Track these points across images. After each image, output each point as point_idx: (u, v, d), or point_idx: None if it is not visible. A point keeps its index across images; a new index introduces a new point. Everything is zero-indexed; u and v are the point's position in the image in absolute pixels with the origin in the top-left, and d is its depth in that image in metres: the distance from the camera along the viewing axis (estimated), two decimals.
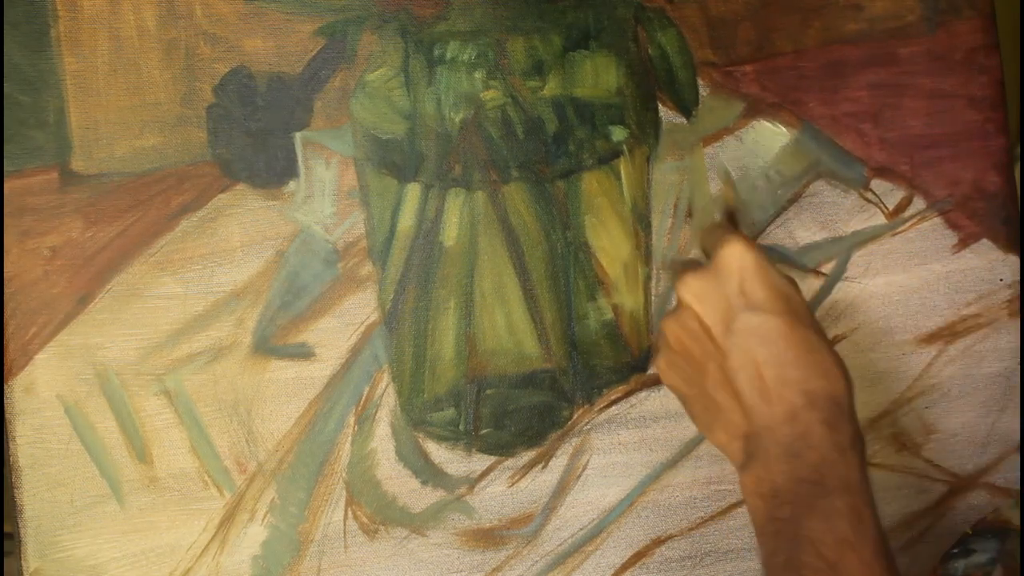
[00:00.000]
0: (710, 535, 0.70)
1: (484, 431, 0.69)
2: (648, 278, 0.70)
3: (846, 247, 0.70)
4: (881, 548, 0.53)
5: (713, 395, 0.58)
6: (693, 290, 0.59)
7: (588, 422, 0.69)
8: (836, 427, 0.55)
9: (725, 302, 0.57)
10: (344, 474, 0.68)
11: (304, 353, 0.68)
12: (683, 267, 0.60)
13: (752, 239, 0.57)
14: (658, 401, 0.70)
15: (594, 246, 0.69)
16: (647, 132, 0.69)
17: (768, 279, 0.57)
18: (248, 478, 0.68)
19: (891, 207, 0.70)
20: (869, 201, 0.70)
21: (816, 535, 0.52)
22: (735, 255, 0.58)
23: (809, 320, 0.58)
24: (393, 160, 0.67)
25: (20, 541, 0.66)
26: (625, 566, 0.70)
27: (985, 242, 0.70)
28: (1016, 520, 0.60)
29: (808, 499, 0.53)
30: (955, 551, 0.63)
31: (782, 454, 0.55)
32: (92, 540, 0.67)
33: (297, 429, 0.68)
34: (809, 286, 0.70)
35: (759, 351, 0.56)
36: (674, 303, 0.61)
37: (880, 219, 0.70)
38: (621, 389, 0.70)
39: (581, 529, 0.69)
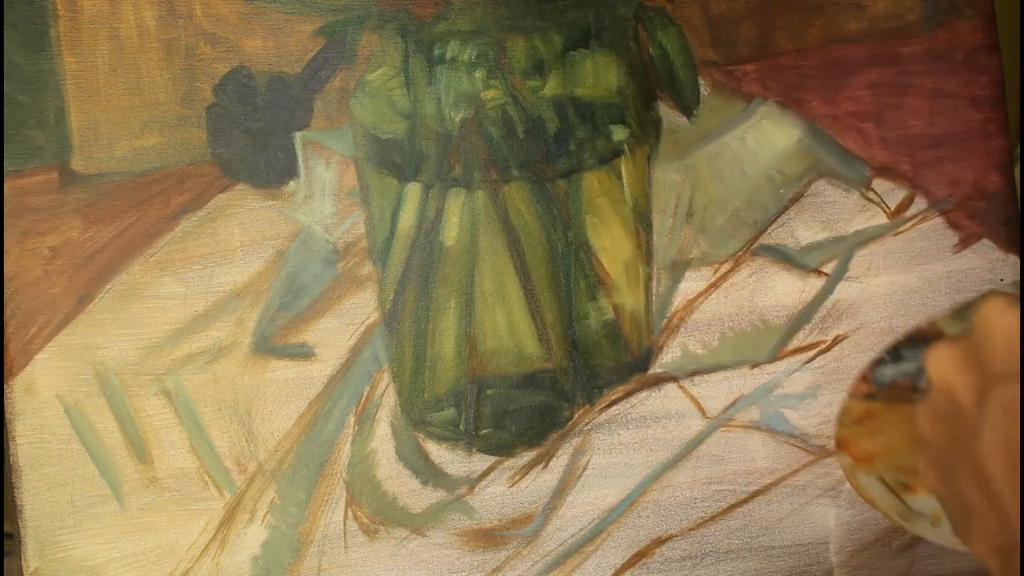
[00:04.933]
0: (710, 535, 0.70)
1: (484, 431, 0.69)
2: (649, 278, 0.69)
3: (848, 247, 0.70)
4: None
5: (966, 493, 0.45)
6: (942, 361, 0.46)
7: (588, 422, 0.69)
8: None
9: (980, 371, 0.45)
10: (344, 474, 0.68)
11: (304, 353, 0.68)
12: (932, 340, 0.49)
13: (1016, 298, 0.45)
14: (658, 401, 0.69)
15: (595, 246, 0.68)
16: (648, 131, 0.69)
17: None
18: (248, 478, 0.67)
19: (892, 207, 0.70)
20: (871, 201, 0.70)
21: None
22: (996, 314, 0.44)
23: None
24: (393, 160, 0.67)
25: (20, 541, 0.66)
26: (625, 566, 0.69)
27: (986, 242, 0.70)
28: (951, 330, 0.55)
29: None
30: (885, 358, 0.58)
31: None
32: (92, 540, 0.67)
33: (297, 429, 0.68)
34: (811, 286, 0.70)
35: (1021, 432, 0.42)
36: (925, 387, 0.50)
37: (882, 219, 0.70)
38: (621, 389, 0.70)
39: (581, 529, 0.69)
